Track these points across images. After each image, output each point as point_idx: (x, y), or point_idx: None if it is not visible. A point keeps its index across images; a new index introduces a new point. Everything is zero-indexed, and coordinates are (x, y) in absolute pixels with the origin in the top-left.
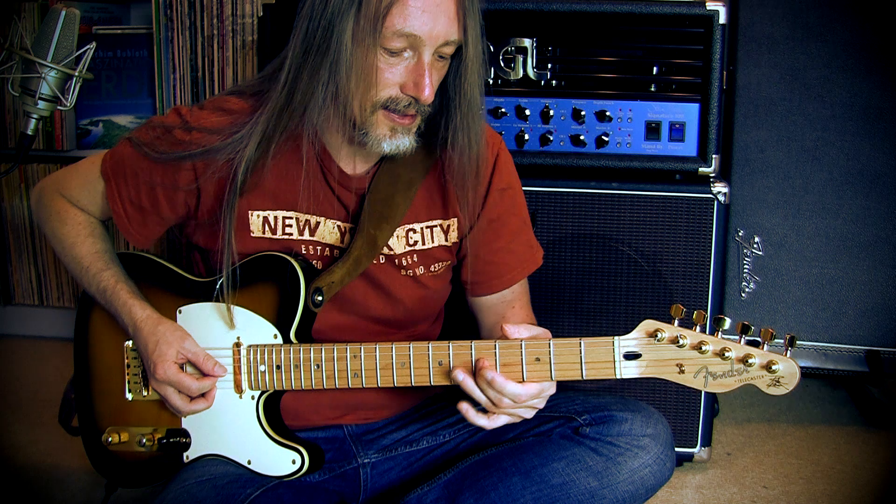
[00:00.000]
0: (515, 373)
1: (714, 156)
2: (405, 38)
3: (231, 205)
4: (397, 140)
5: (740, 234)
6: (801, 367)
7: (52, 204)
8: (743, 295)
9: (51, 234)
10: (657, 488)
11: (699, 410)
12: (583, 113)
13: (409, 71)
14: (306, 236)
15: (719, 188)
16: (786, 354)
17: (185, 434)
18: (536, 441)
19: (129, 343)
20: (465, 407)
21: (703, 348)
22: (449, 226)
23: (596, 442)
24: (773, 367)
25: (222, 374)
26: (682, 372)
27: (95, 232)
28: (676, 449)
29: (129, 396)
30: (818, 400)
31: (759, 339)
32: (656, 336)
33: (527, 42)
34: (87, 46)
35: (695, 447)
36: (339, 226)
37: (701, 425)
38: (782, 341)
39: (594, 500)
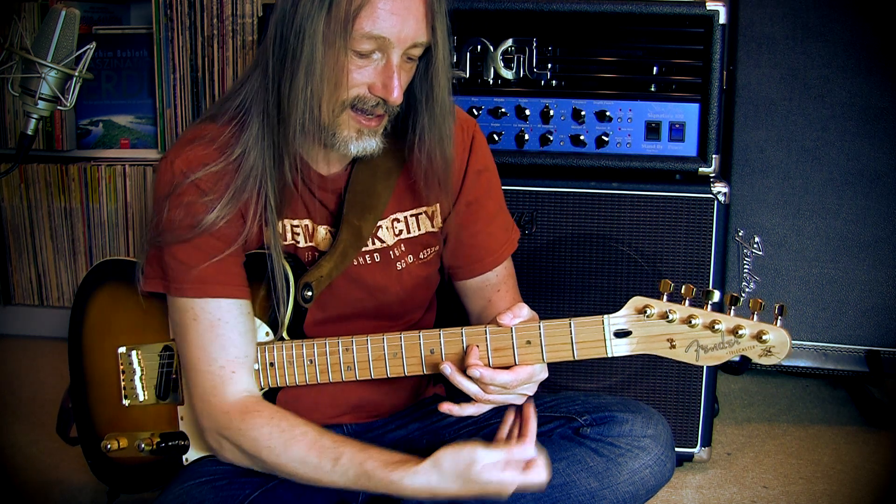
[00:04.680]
0: (507, 357)
1: (714, 156)
2: (374, 41)
3: (273, 226)
4: (364, 142)
5: (740, 234)
6: (802, 367)
7: (242, 439)
8: (743, 294)
9: (273, 467)
10: (657, 489)
11: (699, 410)
12: (583, 113)
13: (378, 72)
14: (310, 243)
15: (719, 188)
16: (776, 324)
17: (183, 437)
18: (536, 441)
19: (123, 349)
20: (447, 407)
21: (693, 322)
22: (433, 211)
23: (596, 443)
24: (764, 337)
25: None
26: (673, 347)
27: (291, 420)
28: (676, 449)
29: (125, 402)
30: (818, 400)
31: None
32: (645, 312)
33: (527, 42)
34: (87, 46)
35: (695, 447)
36: (329, 230)
37: (701, 425)
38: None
39: (594, 501)
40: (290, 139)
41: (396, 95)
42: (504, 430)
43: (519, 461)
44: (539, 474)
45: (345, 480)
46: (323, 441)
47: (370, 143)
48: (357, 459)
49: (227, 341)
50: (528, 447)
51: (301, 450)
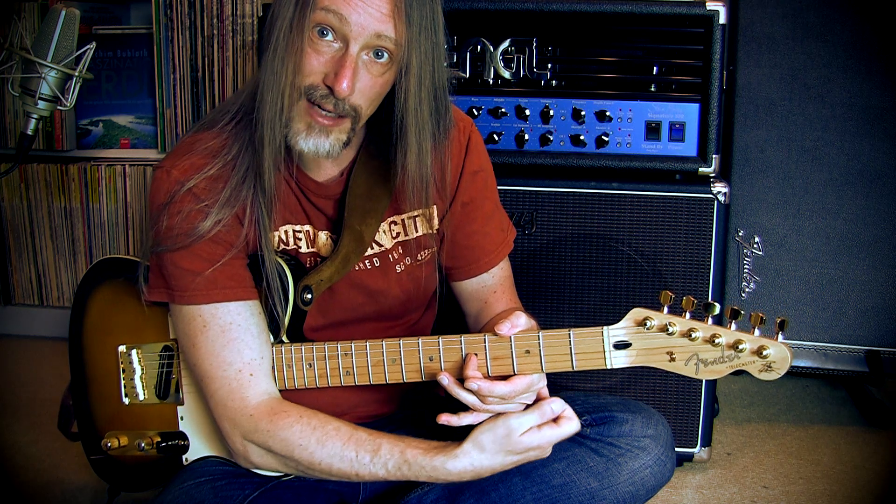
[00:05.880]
0: (506, 366)
1: (714, 156)
2: (331, 16)
3: (265, 228)
4: (314, 139)
5: (740, 234)
6: (801, 367)
7: (272, 440)
8: (743, 295)
9: (307, 465)
10: (657, 489)
11: (699, 410)
12: (583, 113)
13: (334, 62)
14: (312, 248)
15: (719, 188)
16: (776, 339)
17: (183, 437)
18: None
19: (123, 348)
20: (445, 419)
21: (693, 335)
22: (431, 213)
23: (596, 443)
24: (764, 353)
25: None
26: (672, 360)
27: (321, 417)
28: (676, 449)
29: (125, 401)
30: (818, 400)
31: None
32: (645, 324)
33: (527, 42)
34: (87, 46)
35: (695, 447)
36: (330, 236)
37: (701, 425)
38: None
39: (594, 501)
40: (268, 129)
41: (345, 87)
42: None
43: (549, 420)
44: (572, 424)
45: (384, 472)
46: (359, 434)
47: (322, 143)
48: (396, 449)
49: (242, 344)
50: (556, 401)
51: (337, 445)
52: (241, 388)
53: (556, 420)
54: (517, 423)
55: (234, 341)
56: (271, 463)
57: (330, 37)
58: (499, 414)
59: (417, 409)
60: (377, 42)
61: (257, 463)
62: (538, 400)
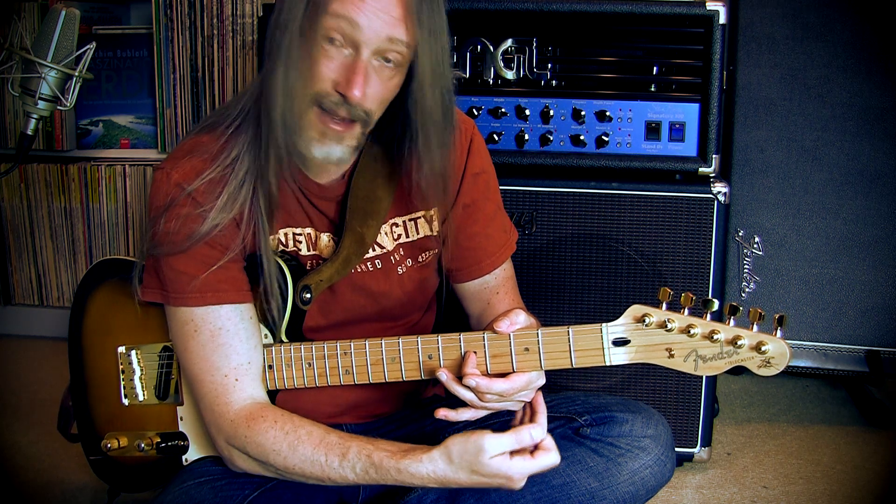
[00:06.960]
0: (505, 364)
1: (714, 156)
2: (343, 22)
3: (265, 232)
4: (327, 147)
5: (740, 234)
6: (801, 367)
7: (249, 445)
8: (743, 295)
9: (283, 468)
10: (657, 489)
11: (699, 410)
12: (583, 113)
13: (345, 67)
14: (313, 251)
15: (719, 188)
16: (775, 335)
17: (183, 437)
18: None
19: (122, 349)
20: (443, 413)
21: (692, 331)
22: (432, 215)
23: (596, 443)
24: (763, 348)
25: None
26: (671, 356)
27: (297, 421)
28: (676, 449)
29: (125, 402)
30: (818, 400)
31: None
32: (644, 321)
33: (527, 42)
34: (87, 46)
35: (695, 447)
36: (332, 238)
37: (701, 425)
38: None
39: (594, 501)
40: (275, 135)
41: (358, 93)
42: (517, 422)
43: (527, 448)
44: (549, 457)
45: (354, 475)
46: (329, 438)
47: (334, 150)
48: (365, 452)
49: (230, 350)
50: (537, 428)
51: (308, 449)
52: (226, 393)
53: (534, 450)
54: (490, 443)
55: (223, 346)
56: (253, 467)
57: (339, 43)
58: (478, 428)
59: (418, 408)
60: (389, 46)
61: (241, 466)
62: (533, 412)
